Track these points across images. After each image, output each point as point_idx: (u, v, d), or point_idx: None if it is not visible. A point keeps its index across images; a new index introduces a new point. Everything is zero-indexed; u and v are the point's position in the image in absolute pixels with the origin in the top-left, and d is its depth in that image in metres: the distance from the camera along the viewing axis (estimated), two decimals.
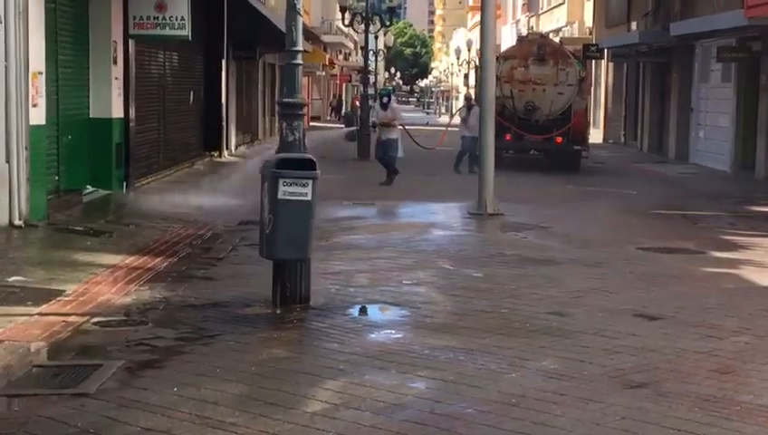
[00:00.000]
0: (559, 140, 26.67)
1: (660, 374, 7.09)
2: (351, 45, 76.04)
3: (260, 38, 30.33)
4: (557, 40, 35.32)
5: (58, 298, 9.13)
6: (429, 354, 7.54)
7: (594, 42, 39.63)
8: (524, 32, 48.92)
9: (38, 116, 13.25)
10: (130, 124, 17.87)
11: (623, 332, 8.36)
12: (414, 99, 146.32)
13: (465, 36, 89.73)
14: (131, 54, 17.92)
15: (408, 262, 11.78)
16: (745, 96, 26.53)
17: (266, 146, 30.47)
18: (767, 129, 24.78)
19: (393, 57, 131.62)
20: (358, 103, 44.32)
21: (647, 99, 35.64)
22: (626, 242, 13.70)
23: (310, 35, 43.73)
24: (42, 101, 13.39)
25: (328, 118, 66.17)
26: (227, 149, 28.38)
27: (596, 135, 38.05)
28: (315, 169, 8.84)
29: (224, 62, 26.63)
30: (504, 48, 40.73)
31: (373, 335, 8.26)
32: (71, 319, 8.38)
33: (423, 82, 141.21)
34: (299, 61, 9.27)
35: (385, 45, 58.92)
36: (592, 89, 38.07)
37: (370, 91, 33.16)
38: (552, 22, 51.55)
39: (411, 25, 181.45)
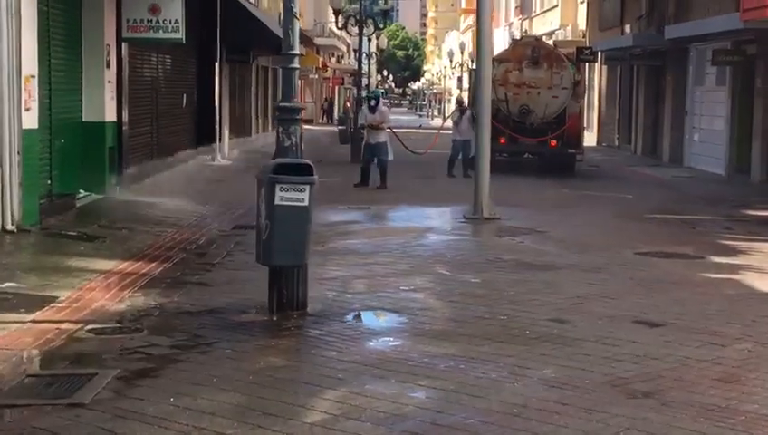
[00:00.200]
0: (553, 143, 26.60)
1: (664, 383, 6.99)
2: (344, 48, 76.05)
3: (253, 41, 30.23)
4: (550, 43, 35.22)
5: (51, 305, 9.01)
6: (429, 362, 7.43)
7: (588, 45, 39.58)
8: (517, 35, 48.89)
9: (31, 120, 13.13)
10: (123, 128, 17.76)
11: (624, 339, 8.27)
12: (406, 101, 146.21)
13: (458, 39, 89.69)
14: (124, 57, 17.84)
15: (404, 267, 11.68)
16: (740, 99, 26.48)
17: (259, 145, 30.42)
18: (762, 132, 24.74)
19: (385, 60, 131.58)
20: (348, 105, 44.26)
21: (640, 102, 35.57)
22: (623, 247, 13.61)
23: (303, 38, 43.53)
24: (34, 105, 13.27)
25: (320, 121, 66.07)
26: (221, 152, 28.24)
27: (590, 138, 37.95)
28: (312, 175, 8.73)
29: (217, 65, 26.50)
30: (497, 51, 40.64)
31: (372, 343, 8.16)
32: (64, 326, 8.27)
33: (415, 85, 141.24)
34: (296, 65, 9.17)
35: (378, 48, 58.85)
36: (586, 92, 37.97)
37: (363, 93, 33.03)
38: (546, 25, 51.49)
39: (404, 28, 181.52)
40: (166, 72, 22.58)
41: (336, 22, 35.47)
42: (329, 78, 74.16)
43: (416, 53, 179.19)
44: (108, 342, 7.89)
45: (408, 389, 6.78)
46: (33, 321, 8.42)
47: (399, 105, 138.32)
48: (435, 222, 16.34)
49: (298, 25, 9.21)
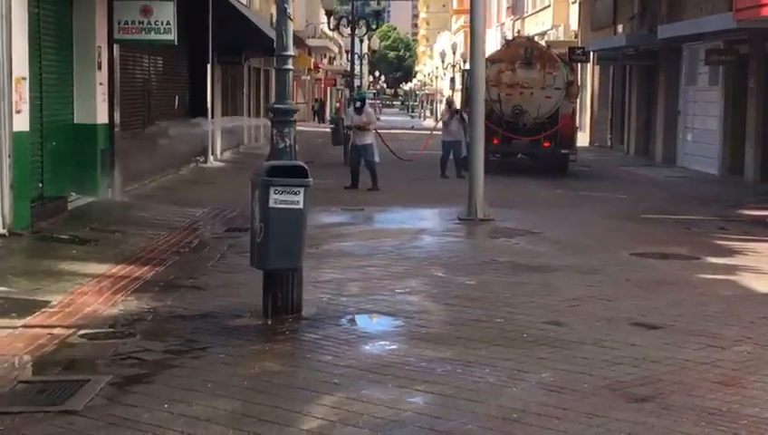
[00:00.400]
0: (546, 143, 26.54)
1: (664, 387, 6.92)
2: (336, 49, 75.96)
3: (245, 42, 30.13)
4: (543, 43, 35.17)
5: (43, 310, 8.93)
6: (426, 367, 7.35)
7: (580, 45, 39.52)
8: (510, 35, 48.86)
9: (22, 122, 13.01)
10: (115, 130, 17.64)
11: (622, 342, 8.20)
12: (398, 102, 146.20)
13: (450, 40, 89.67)
14: (116, 59, 17.72)
15: (399, 270, 11.60)
16: (733, 99, 26.44)
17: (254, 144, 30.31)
18: (755, 132, 24.71)
19: (377, 61, 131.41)
20: (340, 106, 44.22)
21: (633, 102, 35.54)
22: (619, 247, 13.55)
23: (295, 39, 43.37)
24: (25, 107, 13.15)
25: (314, 121, 65.98)
26: (213, 154, 28.16)
27: (582, 138, 37.89)
28: (307, 177, 8.65)
29: (209, 66, 26.39)
30: (489, 52, 40.57)
31: (368, 347, 8.08)
32: (56, 331, 8.18)
33: (407, 86, 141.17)
34: (290, 66, 9.10)
35: (370, 48, 58.75)
36: (579, 92, 37.93)
37: (352, 94, 33.01)
38: (538, 25, 51.48)
39: (395, 29, 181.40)
40: (158, 74, 22.47)
41: (328, 23, 35.37)
42: (321, 79, 74.09)
43: (407, 53, 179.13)
44: (100, 347, 7.80)
45: (406, 394, 6.70)
46: (25, 326, 8.33)
47: (391, 106, 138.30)
48: (429, 224, 16.26)
49: (292, 26, 9.12)
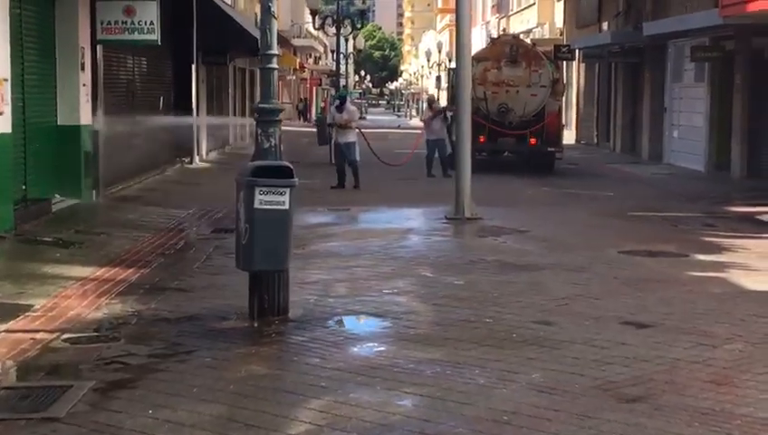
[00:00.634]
0: (533, 141, 26.47)
1: (655, 387, 6.84)
2: (321, 49, 75.86)
3: (230, 42, 29.99)
4: (528, 41, 35.13)
5: (26, 314, 8.80)
6: (415, 368, 7.26)
7: (565, 43, 39.48)
8: (495, 33, 48.81)
9: (4, 124, 12.88)
10: (99, 131, 17.48)
11: (613, 341, 8.12)
12: (384, 102, 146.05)
13: (435, 38, 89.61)
14: (99, 60, 17.58)
15: (387, 270, 11.51)
16: (719, 95, 26.42)
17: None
18: (741, 128, 24.70)
19: (362, 60, 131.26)
20: (324, 105, 44.10)
21: (619, 99, 35.50)
22: (607, 245, 13.48)
23: (280, 39, 43.30)
24: (7, 109, 13.01)
25: (298, 121, 65.81)
26: (198, 155, 28.02)
27: (568, 136, 37.82)
28: (292, 177, 8.55)
29: (193, 66, 26.25)
30: (474, 50, 40.53)
31: (355, 349, 7.97)
32: (39, 336, 8.06)
33: (393, 85, 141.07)
34: (274, 65, 9.00)
35: (355, 48, 58.66)
36: (565, 90, 37.91)
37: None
38: (523, 23, 51.43)
39: (380, 28, 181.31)
40: (142, 75, 22.32)
41: (313, 22, 35.30)
42: (306, 79, 73.95)
43: (393, 53, 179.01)
44: (84, 351, 7.68)
45: (395, 396, 6.60)
46: (8, 331, 8.21)
47: (377, 105, 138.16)
48: (416, 223, 16.17)
49: (276, 25, 9.02)
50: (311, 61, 74.63)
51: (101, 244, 12.97)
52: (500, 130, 26.43)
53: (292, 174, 8.55)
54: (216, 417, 6.13)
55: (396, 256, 12.51)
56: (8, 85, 13.02)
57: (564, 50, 36.70)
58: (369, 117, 78.43)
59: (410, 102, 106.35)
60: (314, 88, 78.52)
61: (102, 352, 7.65)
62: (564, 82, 33.48)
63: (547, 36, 44.65)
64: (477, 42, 54.71)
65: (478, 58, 26.95)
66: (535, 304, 9.56)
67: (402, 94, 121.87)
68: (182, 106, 25.70)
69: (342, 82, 41.07)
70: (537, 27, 47.96)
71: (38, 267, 11.00)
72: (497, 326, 8.64)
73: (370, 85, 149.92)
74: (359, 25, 37.05)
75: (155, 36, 17.31)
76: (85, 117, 16.70)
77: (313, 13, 34.50)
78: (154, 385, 6.79)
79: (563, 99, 31.79)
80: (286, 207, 8.47)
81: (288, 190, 8.47)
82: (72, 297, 9.58)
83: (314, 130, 37.75)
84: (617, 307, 9.47)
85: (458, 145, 16.83)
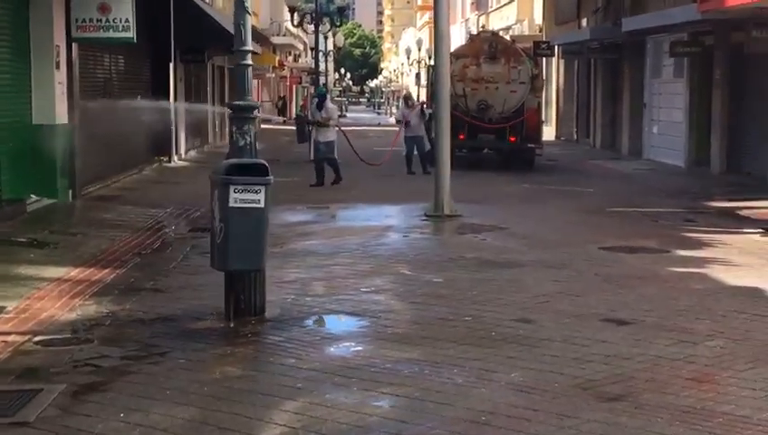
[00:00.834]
0: (512, 138, 26.40)
1: (636, 385, 6.75)
2: (301, 47, 75.49)
3: (208, 40, 29.78)
4: (507, 38, 35.08)
5: None
6: (392, 368, 7.15)
7: (545, 39, 39.46)
8: (474, 30, 48.73)
9: None
10: (76, 130, 17.30)
11: (593, 338, 8.03)
12: (365, 99, 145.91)
13: (415, 36, 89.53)
14: (75, 58, 17.38)
15: (365, 268, 11.40)
16: (698, 91, 26.43)
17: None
18: (721, 123, 24.70)
19: (342, 58, 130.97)
20: (303, 103, 43.89)
21: (598, 95, 35.50)
22: (587, 242, 13.40)
23: (259, 37, 43.21)
24: None
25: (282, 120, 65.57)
26: (177, 153, 27.83)
27: (548, 132, 37.85)
28: (268, 175, 8.42)
29: (171, 65, 26.05)
30: (453, 47, 40.47)
31: (332, 349, 7.86)
32: (11, 338, 7.92)
33: (373, 83, 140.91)
34: (248, 61, 8.87)
35: (335, 46, 58.49)
36: (544, 86, 37.89)
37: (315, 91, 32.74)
38: (502, 20, 51.41)
39: (360, 26, 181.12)
40: (119, 73, 22.13)
41: (291, 20, 35.10)
42: (286, 77, 73.67)
43: (373, 50, 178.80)
44: (56, 354, 7.54)
45: (371, 397, 6.49)
46: None
47: (358, 103, 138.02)
48: (395, 221, 16.05)
49: (250, 20, 8.90)
50: (290, 59, 74.34)
51: (77, 244, 12.81)
52: (479, 127, 26.37)
53: (267, 172, 8.43)
54: (188, 420, 6.01)
55: (374, 254, 12.41)
56: None
57: (544, 46, 36.71)
58: (349, 115, 78.35)
59: (390, 100, 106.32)
60: (294, 86, 78.26)
61: (74, 354, 7.51)
62: (543, 78, 33.47)
63: (526, 33, 44.66)
64: (457, 39, 54.67)
65: (457, 55, 26.89)
66: (515, 302, 9.46)
67: (382, 92, 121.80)
68: (160, 104, 25.47)
69: (322, 79, 40.92)
70: (516, 24, 47.94)
71: (11, 268, 10.82)
72: (476, 324, 8.54)
73: (351, 83, 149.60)
74: (337, 23, 36.87)
75: (131, 34, 17.14)
76: (61, 116, 16.52)
77: (292, 10, 34.30)
78: (126, 388, 6.66)
79: (543, 95, 31.75)
80: (261, 205, 8.35)
81: (263, 188, 8.35)
82: (45, 299, 9.43)
83: (293, 128, 37.65)
84: (597, 304, 9.39)
85: (437, 142, 16.73)
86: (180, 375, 6.96)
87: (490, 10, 56.33)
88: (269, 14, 55.73)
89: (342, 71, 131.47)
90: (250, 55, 8.91)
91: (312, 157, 23.52)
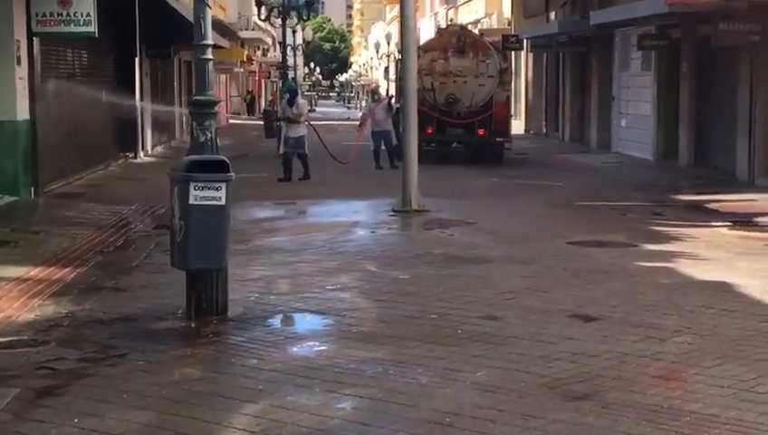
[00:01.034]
0: (481, 132, 26.30)
1: (603, 383, 6.65)
2: (270, 41, 75.12)
3: (174, 35, 29.46)
4: (476, 31, 34.98)
5: None
6: (356, 368, 7.02)
7: (513, 33, 39.39)
8: (443, 24, 48.63)
9: None
10: (38, 126, 17.06)
11: (560, 335, 7.93)
12: (334, 93, 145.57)
13: (384, 30, 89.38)
14: (36, 53, 17.12)
15: (331, 265, 11.25)
16: (666, 84, 26.43)
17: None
18: (689, 116, 24.70)
19: (312, 52, 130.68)
20: (272, 98, 43.67)
21: (567, 89, 35.49)
22: (555, 236, 13.32)
23: (227, 32, 42.93)
24: None
25: (246, 114, 65.26)
26: (143, 149, 27.56)
27: (517, 126, 37.80)
28: (229, 172, 8.27)
29: (137, 60, 25.79)
30: (422, 41, 40.36)
31: (295, 349, 7.71)
32: None
33: (343, 77, 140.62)
34: (209, 56, 8.74)
35: (304, 40, 58.26)
36: (513, 80, 37.84)
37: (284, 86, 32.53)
38: (471, 13, 51.33)
39: (329, 20, 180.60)
40: (83, 68, 21.84)
41: (258, 14, 34.86)
42: (255, 72, 73.30)
43: (342, 44, 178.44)
44: (11, 356, 7.35)
45: (334, 399, 6.35)
46: None
47: (328, 97, 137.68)
48: (362, 216, 15.91)
49: (210, 13, 8.73)
50: (259, 53, 73.99)
51: (38, 242, 12.59)
52: (448, 121, 26.25)
53: (228, 168, 8.28)
54: (145, 425, 5.85)
55: (341, 251, 12.27)
56: None
57: (512, 40, 36.59)
58: (319, 109, 78.12)
59: (360, 94, 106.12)
60: (263, 80, 77.92)
61: (30, 356, 7.33)
62: (512, 71, 33.38)
63: (495, 26, 44.58)
64: (426, 33, 54.66)
65: (425, 48, 26.79)
66: (482, 299, 9.35)
67: (352, 86, 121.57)
68: (126, 100, 25.21)
69: (291, 74, 40.72)
70: (485, 18, 47.87)
71: None
72: (442, 322, 8.42)
73: (320, 77, 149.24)
74: (305, 17, 36.66)
75: (92, 29, 16.90)
76: (22, 112, 16.29)
77: (259, 3, 34.08)
78: (82, 391, 6.50)
79: (512, 89, 31.68)
80: (223, 202, 8.19)
81: (224, 185, 8.20)
82: (2, 299, 9.23)
83: (261, 123, 37.44)
84: (565, 300, 9.29)
85: (405, 136, 16.58)
86: (139, 378, 6.80)
87: (459, 4, 56.23)
88: (237, 9, 55.37)
89: (312, 65, 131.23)
90: (211, 50, 8.77)
91: (280, 151, 23.34)
